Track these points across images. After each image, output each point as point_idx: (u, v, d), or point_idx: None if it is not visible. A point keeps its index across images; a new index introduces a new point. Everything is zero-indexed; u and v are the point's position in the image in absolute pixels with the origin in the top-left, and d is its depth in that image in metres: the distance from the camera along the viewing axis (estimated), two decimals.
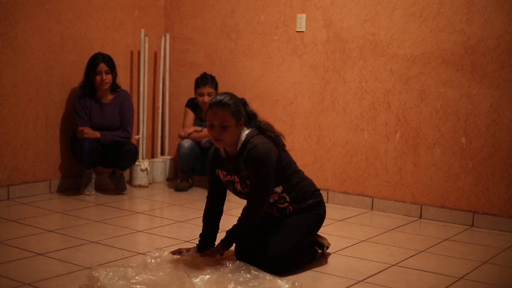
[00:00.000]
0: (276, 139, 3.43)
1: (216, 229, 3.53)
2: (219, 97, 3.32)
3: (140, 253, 3.62)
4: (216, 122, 3.27)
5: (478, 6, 4.44)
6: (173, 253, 3.46)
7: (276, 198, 3.43)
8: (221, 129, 3.26)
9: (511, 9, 4.34)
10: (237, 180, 3.38)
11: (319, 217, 3.55)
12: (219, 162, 3.44)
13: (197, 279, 3.05)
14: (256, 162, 3.27)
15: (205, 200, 3.57)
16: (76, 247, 3.72)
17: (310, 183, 3.57)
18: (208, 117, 3.31)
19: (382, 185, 4.90)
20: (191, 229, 4.20)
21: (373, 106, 4.90)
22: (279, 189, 3.41)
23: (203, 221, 3.54)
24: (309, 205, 3.49)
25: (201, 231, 3.53)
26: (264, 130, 3.42)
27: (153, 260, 3.23)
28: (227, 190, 3.55)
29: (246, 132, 3.35)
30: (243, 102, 3.42)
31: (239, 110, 3.32)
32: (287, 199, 3.45)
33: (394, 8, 4.76)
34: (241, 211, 3.37)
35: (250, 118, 3.42)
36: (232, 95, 3.36)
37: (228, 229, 3.41)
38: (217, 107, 3.28)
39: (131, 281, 3.00)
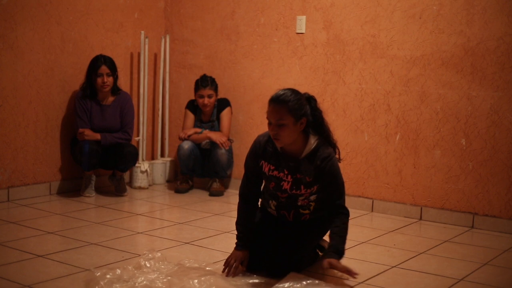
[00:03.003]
0: (336, 150, 3.32)
1: (252, 225, 3.36)
2: (279, 93, 3.16)
3: (139, 255, 3.61)
4: (273, 120, 3.12)
5: (478, 8, 4.44)
6: (228, 274, 3.23)
7: (305, 203, 3.33)
8: (277, 127, 3.11)
9: (511, 11, 4.34)
10: (289, 179, 3.24)
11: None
12: (268, 155, 3.28)
13: (196, 281, 3.06)
14: (333, 173, 3.20)
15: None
16: (76, 249, 3.72)
17: None
18: (267, 114, 3.16)
19: (382, 187, 4.90)
20: (191, 231, 4.20)
21: (373, 107, 4.90)
22: (313, 198, 3.32)
23: (242, 218, 3.34)
24: (325, 219, 3.41)
25: (239, 231, 3.34)
26: (329, 139, 3.28)
27: (147, 263, 3.23)
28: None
29: (315, 138, 3.23)
30: (309, 100, 3.24)
31: (300, 108, 3.13)
32: (311, 208, 3.37)
33: (394, 9, 4.77)
34: (334, 223, 3.24)
35: (317, 121, 3.25)
36: (293, 91, 3.16)
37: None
38: (274, 103, 3.12)
39: (128, 283, 3.01)
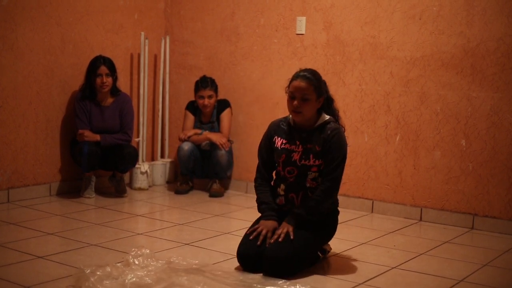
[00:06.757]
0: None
1: (273, 199, 3.56)
2: (306, 70, 3.46)
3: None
4: (298, 94, 3.38)
5: (478, 8, 4.45)
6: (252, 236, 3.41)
7: (314, 185, 3.46)
8: (301, 101, 3.37)
9: (511, 11, 4.34)
10: (299, 150, 3.45)
11: (333, 230, 3.59)
12: (282, 131, 3.54)
13: (184, 278, 3.10)
14: (339, 144, 3.42)
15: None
16: (76, 250, 3.72)
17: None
18: (291, 89, 3.41)
19: (382, 188, 4.90)
20: (191, 232, 4.20)
21: (373, 108, 4.90)
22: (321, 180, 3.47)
23: (262, 193, 3.54)
24: (329, 222, 3.53)
25: (261, 202, 3.54)
26: (338, 120, 3.59)
27: (136, 260, 3.27)
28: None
29: (328, 117, 3.50)
30: (325, 83, 3.54)
31: (321, 87, 3.45)
32: None
33: (394, 10, 4.77)
34: (316, 192, 3.42)
35: (329, 102, 3.56)
36: (316, 72, 3.48)
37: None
38: (302, 80, 3.40)
39: (118, 280, 3.04)
